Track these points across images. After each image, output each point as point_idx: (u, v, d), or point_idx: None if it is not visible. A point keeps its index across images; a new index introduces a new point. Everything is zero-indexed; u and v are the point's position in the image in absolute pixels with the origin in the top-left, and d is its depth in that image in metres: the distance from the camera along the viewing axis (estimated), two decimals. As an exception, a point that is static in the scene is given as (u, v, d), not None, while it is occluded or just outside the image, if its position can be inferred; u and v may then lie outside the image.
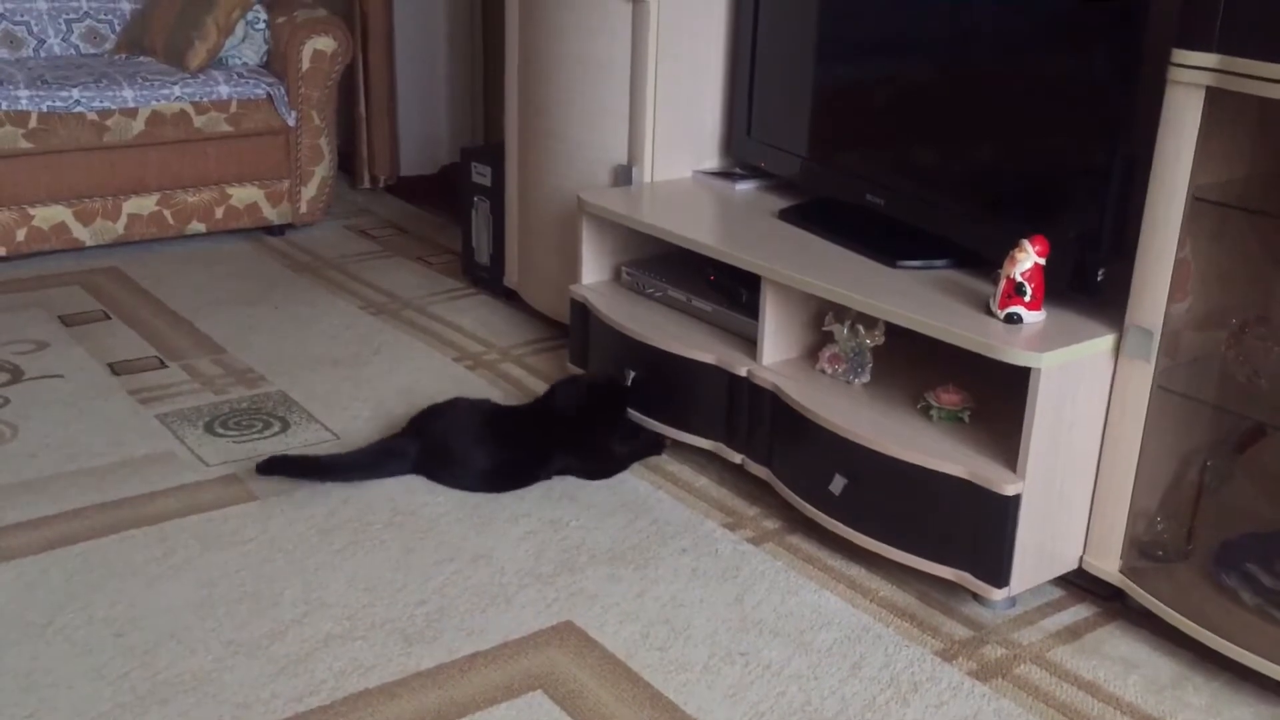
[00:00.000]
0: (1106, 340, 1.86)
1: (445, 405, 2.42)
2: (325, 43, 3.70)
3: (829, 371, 2.22)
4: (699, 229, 2.39)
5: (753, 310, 2.28)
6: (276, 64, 3.73)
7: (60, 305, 3.16)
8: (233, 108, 3.60)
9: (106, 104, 3.41)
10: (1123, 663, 1.84)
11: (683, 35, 2.64)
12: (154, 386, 2.70)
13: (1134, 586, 1.89)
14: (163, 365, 2.82)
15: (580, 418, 2.37)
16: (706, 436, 2.33)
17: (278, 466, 2.26)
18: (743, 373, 2.24)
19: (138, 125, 3.46)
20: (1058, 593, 2.02)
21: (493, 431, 2.33)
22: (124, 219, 3.51)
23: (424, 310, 3.23)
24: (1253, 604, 1.81)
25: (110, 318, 3.09)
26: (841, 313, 2.20)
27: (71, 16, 3.88)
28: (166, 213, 3.57)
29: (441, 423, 2.36)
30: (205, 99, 3.55)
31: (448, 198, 4.04)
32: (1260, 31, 1.60)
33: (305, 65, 3.69)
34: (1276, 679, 1.71)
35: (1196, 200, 1.75)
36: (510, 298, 3.26)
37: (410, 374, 2.81)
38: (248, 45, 3.75)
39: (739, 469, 2.31)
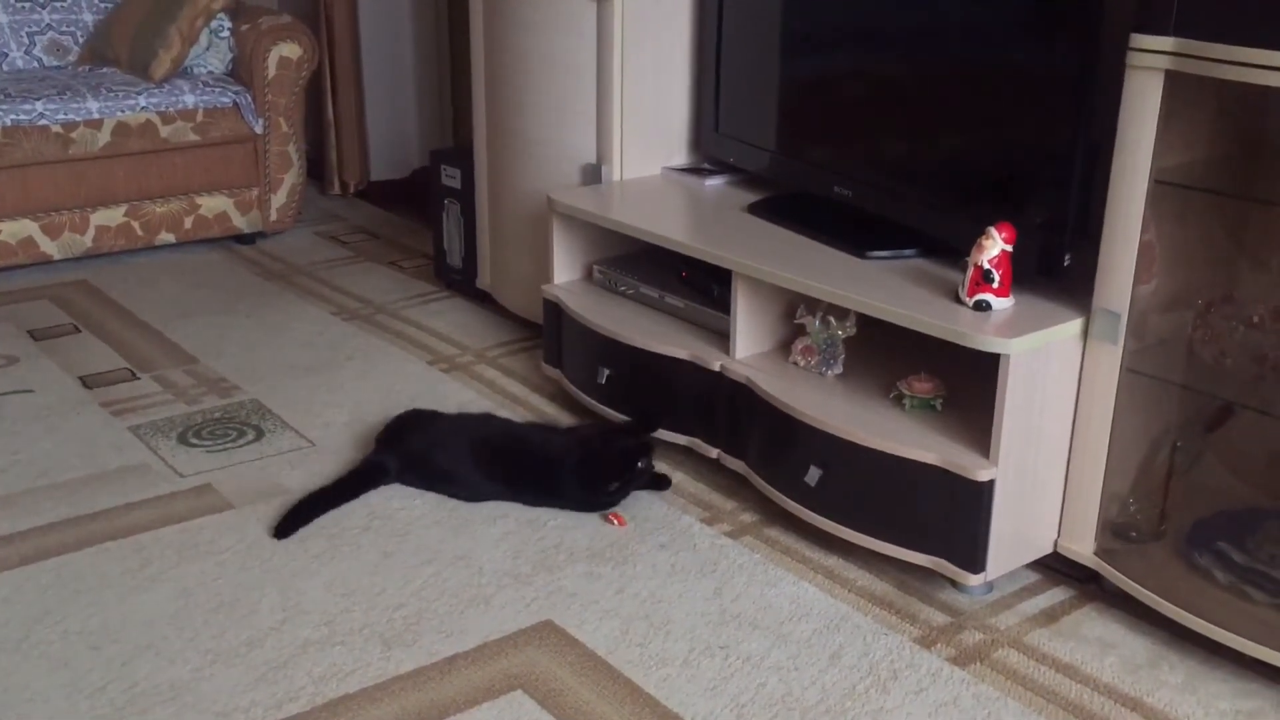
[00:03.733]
0: (1074, 324, 1.88)
1: (422, 419, 2.40)
2: (291, 49, 3.69)
3: (802, 364, 2.22)
4: (669, 226, 2.39)
5: (725, 305, 2.29)
6: (242, 72, 3.72)
7: (29, 320, 3.14)
8: (199, 117, 3.58)
9: (71, 116, 3.39)
10: (1099, 644, 1.86)
11: (648, 33, 2.65)
12: (126, 398, 2.68)
13: (1109, 568, 1.91)
14: (134, 377, 2.80)
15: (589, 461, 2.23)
16: (682, 432, 2.34)
17: (292, 525, 2.13)
18: (716, 367, 2.25)
19: (103, 137, 3.44)
20: (1034, 577, 2.03)
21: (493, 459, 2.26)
22: (92, 231, 3.49)
23: (397, 315, 3.22)
24: (1225, 582, 1.83)
25: (80, 331, 3.07)
26: (813, 305, 2.21)
27: (33, 29, 3.85)
28: (135, 224, 3.55)
29: (428, 440, 2.31)
30: (171, 109, 3.53)
31: (419, 202, 4.03)
32: (1215, 15, 1.61)
33: (271, 72, 3.67)
34: (1250, 655, 1.73)
35: (1159, 183, 1.76)
36: (484, 300, 3.26)
37: (385, 379, 2.80)
38: (212, 53, 3.73)
39: (715, 463, 2.32)
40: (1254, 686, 1.76)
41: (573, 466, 2.20)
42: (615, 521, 2.16)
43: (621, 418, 2.42)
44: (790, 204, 2.47)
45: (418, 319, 3.19)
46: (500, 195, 2.98)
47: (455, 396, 2.69)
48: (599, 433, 2.34)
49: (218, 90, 3.62)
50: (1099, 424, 1.89)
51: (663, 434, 2.36)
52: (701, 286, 2.41)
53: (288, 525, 2.13)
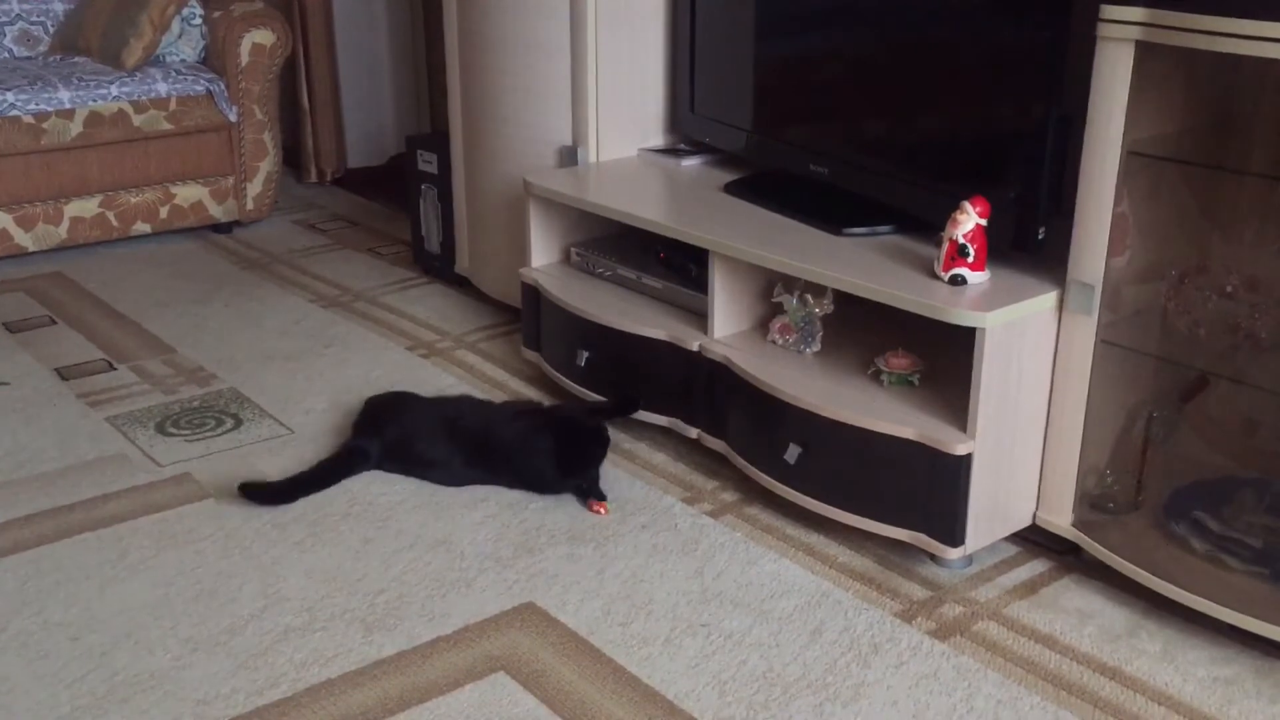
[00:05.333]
0: (1050, 297, 1.88)
1: (399, 404, 2.39)
2: (264, 36, 3.66)
3: (780, 342, 2.23)
4: (646, 206, 2.39)
5: (702, 285, 2.28)
6: (215, 59, 3.69)
7: (4, 312, 3.12)
8: (172, 105, 3.55)
9: (43, 106, 3.36)
10: (1078, 614, 1.87)
11: (621, 13, 2.63)
12: (103, 389, 2.67)
13: (1087, 539, 1.92)
14: (111, 368, 2.78)
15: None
16: (662, 413, 2.34)
17: (261, 497, 2.17)
18: (695, 347, 2.25)
19: (76, 127, 3.41)
20: (1013, 549, 2.04)
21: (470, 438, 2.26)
22: (66, 223, 3.46)
23: (376, 301, 3.21)
24: (1202, 550, 1.84)
25: (56, 322, 3.05)
26: (790, 283, 2.21)
27: (3, 19, 3.81)
28: (110, 215, 3.53)
29: (407, 427, 2.30)
30: (144, 97, 3.51)
31: (397, 188, 4.01)
32: (1185, -16, 1.61)
33: (245, 59, 3.65)
34: (1227, 622, 1.74)
35: (1131, 155, 1.77)
36: (462, 285, 3.25)
37: (364, 365, 2.79)
38: (184, 41, 3.70)
39: (695, 443, 2.32)
40: (1231, 654, 1.77)
41: (538, 455, 2.19)
42: (601, 511, 2.15)
43: (601, 399, 2.42)
44: (766, 183, 2.47)
45: (396, 305, 3.18)
46: (477, 180, 2.97)
47: (435, 382, 2.68)
48: (577, 414, 2.32)
49: (190, 78, 3.59)
50: (1075, 396, 1.90)
51: (643, 415, 2.36)
52: (679, 267, 2.41)
53: (258, 495, 2.15)
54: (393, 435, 2.29)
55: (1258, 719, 1.64)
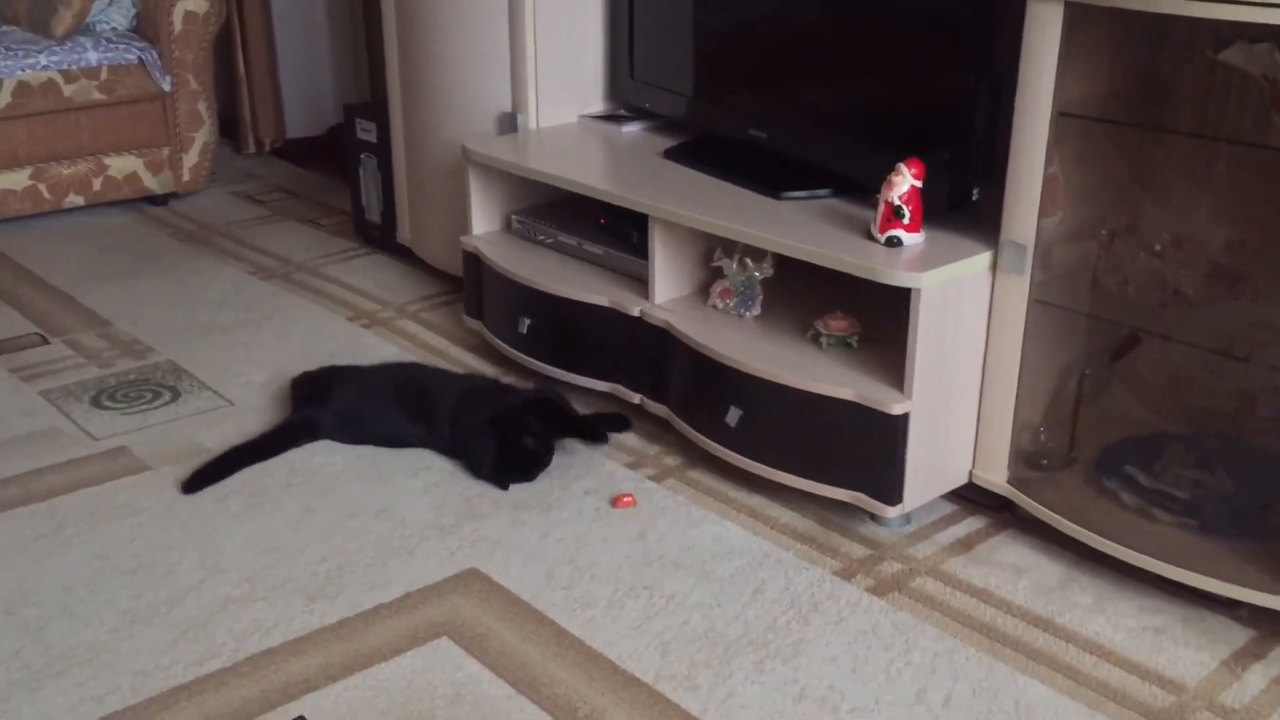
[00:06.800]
0: (984, 258, 1.90)
1: (342, 374, 2.37)
2: (197, 3, 3.59)
3: (720, 306, 2.23)
4: (586, 172, 2.38)
5: (643, 250, 2.29)
6: (146, 28, 3.62)
7: (-67, 287, 3.05)
8: (104, 75, 3.48)
9: (-32, 76, 3.28)
10: (1013, 569, 1.90)
11: (559, -22, 2.62)
12: (36, 364, 2.62)
13: (1021, 496, 1.95)
14: (45, 342, 2.74)
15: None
16: (604, 379, 2.34)
17: (202, 480, 2.12)
18: (636, 313, 2.25)
19: (4, 97, 3.33)
20: (950, 507, 2.07)
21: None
22: (-4, 195, 3.39)
23: (316, 272, 3.17)
24: (1132, 504, 1.88)
25: (-13, 297, 3.00)
26: (730, 247, 2.22)
27: (-75, -13, 3.71)
28: (41, 187, 3.45)
29: (356, 395, 2.29)
30: (74, 67, 3.43)
31: (337, 158, 3.96)
32: (1112, -56, 1.63)
33: (177, 27, 3.58)
34: (1156, 573, 1.78)
35: (1062, 116, 1.79)
36: (404, 255, 3.22)
37: (304, 336, 2.76)
38: (115, 9, 3.62)
39: (638, 409, 2.33)
40: (1159, 604, 1.82)
41: (480, 452, 2.16)
42: (629, 502, 2.07)
43: (540, 365, 2.41)
44: (706, 148, 2.47)
45: (337, 276, 3.15)
46: (417, 148, 2.94)
47: (376, 351, 2.66)
48: (525, 419, 2.19)
49: (122, 47, 3.52)
50: (1009, 355, 1.93)
51: (585, 381, 2.36)
52: (620, 233, 2.41)
53: (201, 479, 2.11)
54: (344, 404, 2.27)
55: (1185, 665, 1.68)
